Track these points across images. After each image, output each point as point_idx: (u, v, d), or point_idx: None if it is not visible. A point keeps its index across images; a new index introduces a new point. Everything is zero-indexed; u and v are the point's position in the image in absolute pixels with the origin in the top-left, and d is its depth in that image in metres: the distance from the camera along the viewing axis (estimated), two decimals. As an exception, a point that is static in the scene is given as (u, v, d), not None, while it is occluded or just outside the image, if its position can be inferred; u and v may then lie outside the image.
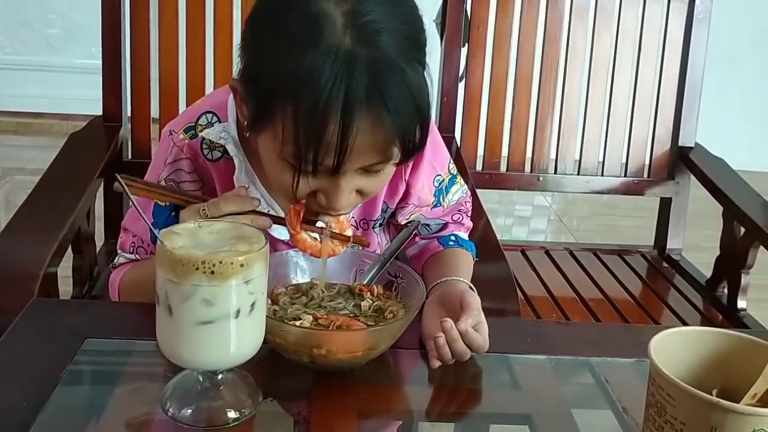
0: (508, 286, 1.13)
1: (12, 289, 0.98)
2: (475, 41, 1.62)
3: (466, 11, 1.61)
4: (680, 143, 1.68)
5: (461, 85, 1.64)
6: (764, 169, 3.36)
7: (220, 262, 0.68)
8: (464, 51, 1.63)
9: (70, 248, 1.24)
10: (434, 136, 1.04)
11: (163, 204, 0.94)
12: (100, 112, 1.54)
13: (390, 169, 0.85)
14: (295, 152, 0.77)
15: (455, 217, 1.10)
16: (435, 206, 1.07)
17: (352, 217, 1.00)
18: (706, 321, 1.47)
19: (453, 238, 1.08)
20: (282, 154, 0.80)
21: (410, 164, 0.98)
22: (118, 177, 0.78)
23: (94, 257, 1.41)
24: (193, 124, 0.95)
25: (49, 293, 1.05)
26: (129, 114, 1.55)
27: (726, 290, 1.53)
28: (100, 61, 1.52)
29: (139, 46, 1.50)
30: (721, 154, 1.68)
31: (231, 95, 0.92)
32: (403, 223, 1.06)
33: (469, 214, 1.13)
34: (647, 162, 1.70)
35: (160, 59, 1.52)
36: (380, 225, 1.06)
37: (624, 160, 1.71)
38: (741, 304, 1.48)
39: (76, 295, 1.32)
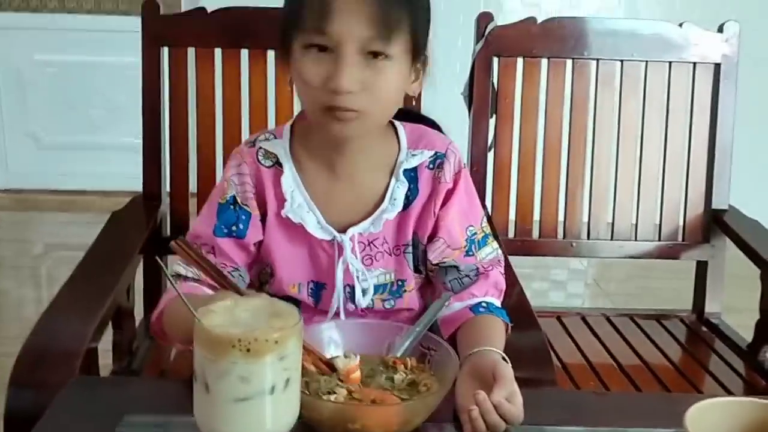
0: (543, 355, 1.13)
1: (54, 367, 1.00)
2: (503, 111, 1.65)
3: (492, 83, 1.64)
4: (713, 206, 1.67)
5: (490, 155, 1.66)
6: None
7: (255, 340, 0.69)
8: (492, 121, 1.66)
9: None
10: (470, 188, 1.12)
11: (222, 201, 1.07)
12: (139, 188, 1.59)
13: (393, 69, 0.97)
14: (301, 23, 0.95)
15: (486, 266, 1.11)
16: (467, 255, 1.10)
17: (385, 242, 1.08)
18: (749, 387, 1.44)
19: (484, 305, 1.08)
20: (301, 42, 0.96)
21: (441, 198, 1.08)
22: (174, 241, 0.88)
23: (134, 332, 1.43)
24: (253, 139, 1.10)
25: (89, 368, 1.07)
26: (168, 189, 1.60)
27: (768, 355, 1.50)
28: (140, 139, 1.58)
29: (178, 127, 1.56)
30: (756, 213, 1.67)
31: (287, 126, 1.10)
32: (434, 263, 1.09)
33: (503, 272, 1.14)
34: (681, 225, 1.69)
35: (198, 138, 1.57)
36: (413, 254, 1.10)
37: (657, 224, 1.70)
38: (783, 369, 1.45)
39: (115, 370, 1.34)
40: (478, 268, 1.11)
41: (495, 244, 1.14)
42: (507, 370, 0.89)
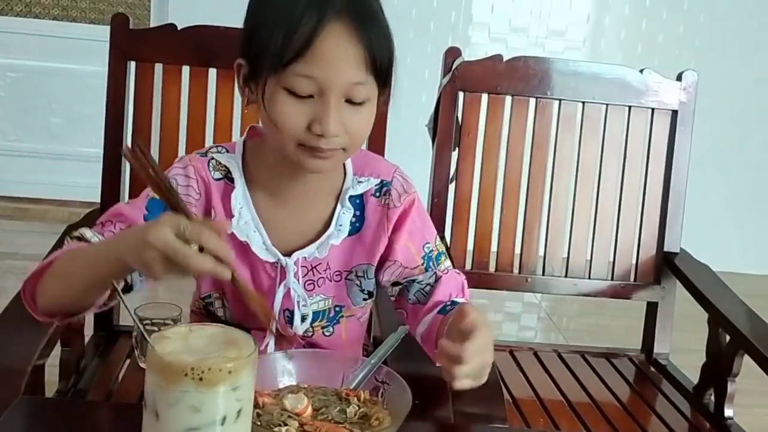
0: (496, 391, 1.13)
1: (-1, 386, 0.98)
2: (466, 145, 1.67)
3: (457, 117, 1.67)
4: (665, 248, 1.71)
5: (451, 187, 1.68)
6: (749, 272, 3.41)
7: (209, 369, 0.69)
8: (455, 154, 1.68)
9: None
10: (421, 208, 1.12)
11: (152, 196, 1.00)
12: (96, 198, 1.56)
13: (370, 110, 0.97)
14: (283, 62, 0.91)
15: (443, 270, 1.11)
16: (426, 271, 1.11)
17: (328, 268, 1.07)
18: (694, 429, 1.47)
19: (450, 304, 1.08)
20: (281, 83, 0.93)
21: (392, 223, 1.08)
22: (130, 144, 0.83)
23: (82, 350, 1.40)
24: (205, 151, 1.08)
25: (35, 386, 1.05)
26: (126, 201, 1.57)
27: (713, 397, 1.53)
28: (100, 150, 1.55)
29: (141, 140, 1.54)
30: (707, 256, 1.71)
31: (239, 141, 1.08)
32: (390, 282, 1.10)
33: (458, 272, 1.14)
34: (633, 266, 1.73)
35: (160, 154, 1.56)
36: (365, 280, 1.10)
37: (611, 263, 1.73)
38: (728, 412, 1.47)
39: (61, 389, 1.31)
40: (436, 273, 1.11)
41: (448, 262, 1.14)
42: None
